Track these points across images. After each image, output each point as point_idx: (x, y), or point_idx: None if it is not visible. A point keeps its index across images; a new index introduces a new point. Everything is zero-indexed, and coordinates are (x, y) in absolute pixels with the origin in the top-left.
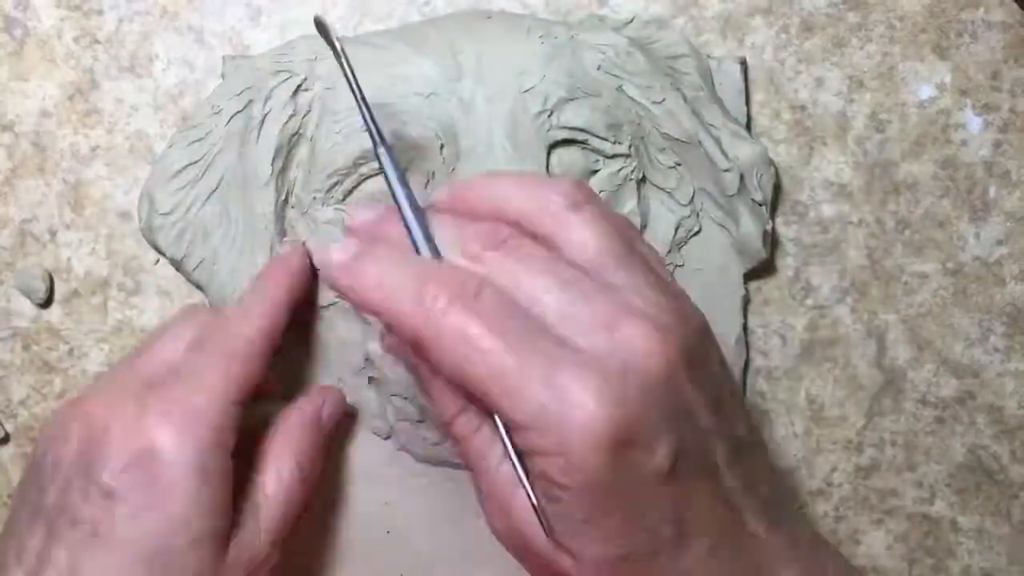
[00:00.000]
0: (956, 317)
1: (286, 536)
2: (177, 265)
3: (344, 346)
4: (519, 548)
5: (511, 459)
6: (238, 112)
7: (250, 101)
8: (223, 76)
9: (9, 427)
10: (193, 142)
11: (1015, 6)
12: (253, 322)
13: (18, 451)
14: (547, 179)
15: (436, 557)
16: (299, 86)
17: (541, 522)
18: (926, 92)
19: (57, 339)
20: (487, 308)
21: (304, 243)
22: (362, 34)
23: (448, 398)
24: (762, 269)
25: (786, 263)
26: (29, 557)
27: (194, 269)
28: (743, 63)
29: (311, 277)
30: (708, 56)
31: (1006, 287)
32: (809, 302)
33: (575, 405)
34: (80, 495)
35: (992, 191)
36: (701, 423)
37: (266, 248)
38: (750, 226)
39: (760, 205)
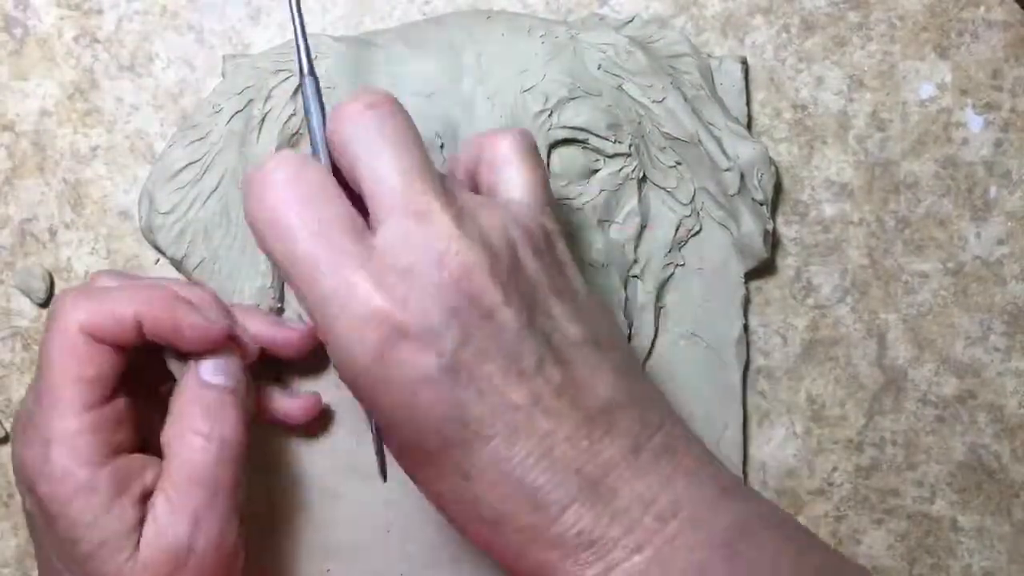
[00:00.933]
0: (957, 316)
1: (223, 509)
2: (177, 265)
3: None
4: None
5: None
6: (238, 111)
7: (250, 100)
8: (223, 75)
9: (9, 427)
10: (193, 141)
11: (1016, 5)
12: (66, 326)
13: None
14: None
15: (436, 557)
16: (299, 85)
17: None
18: (927, 91)
19: None
20: (306, 196)
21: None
22: (362, 33)
23: None
24: (763, 269)
25: (787, 263)
26: None
27: (194, 269)
28: (744, 62)
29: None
30: (708, 55)
31: (1007, 287)
32: (810, 302)
33: (352, 296)
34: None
35: (993, 191)
36: (506, 325)
37: None
38: (751, 225)
39: (761, 204)
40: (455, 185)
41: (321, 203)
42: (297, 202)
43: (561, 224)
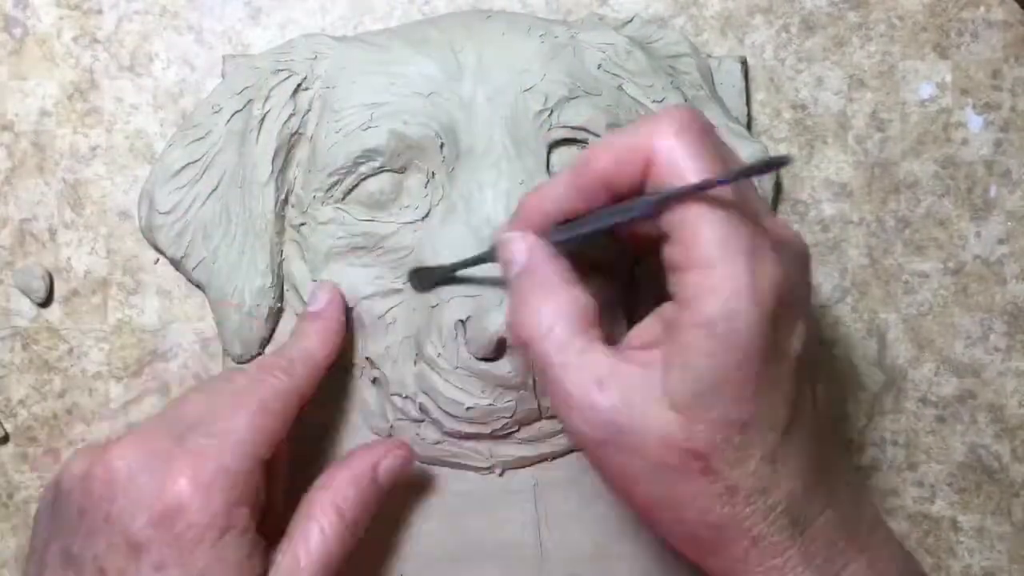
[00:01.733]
0: (957, 316)
1: None
2: (177, 264)
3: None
4: (610, 434)
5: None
6: (238, 111)
7: (250, 100)
8: (223, 75)
9: (9, 427)
10: (193, 141)
11: (1015, 5)
12: (286, 378)
13: (18, 451)
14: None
15: (436, 557)
16: (299, 85)
17: None
18: (927, 91)
19: (57, 339)
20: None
21: (340, 294)
22: (362, 33)
23: (530, 295)
24: None
25: None
26: None
27: (194, 268)
28: (743, 62)
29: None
30: (708, 55)
31: (1007, 286)
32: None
33: (757, 259)
34: (106, 546)
35: (993, 190)
36: (813, 329)
37: (266, 247)
38: None
39: None
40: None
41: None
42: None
43: None
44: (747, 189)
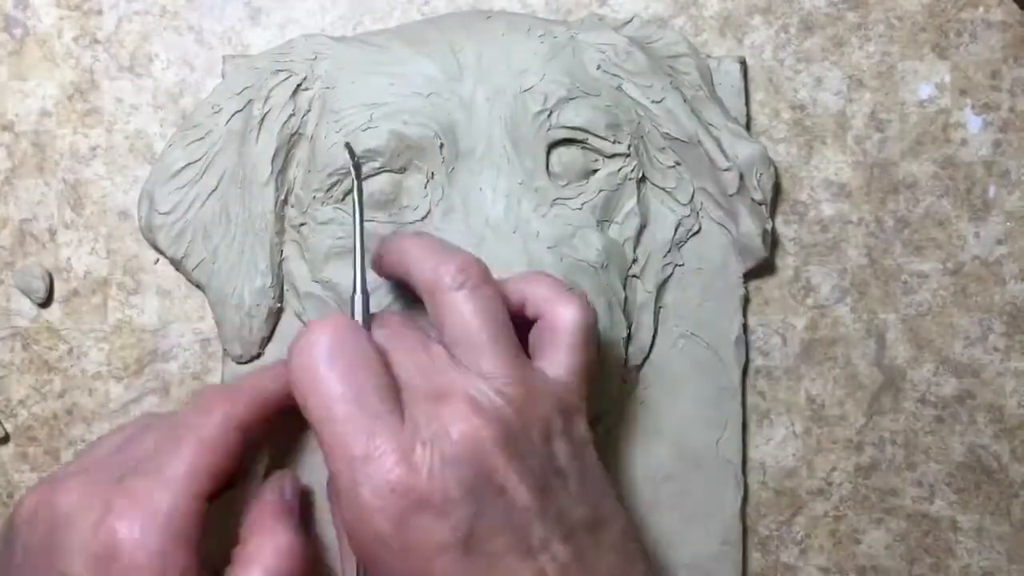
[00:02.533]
0: (956, 316)
1: None
2: (177, 265)
3: None
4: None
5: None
6: (238, 112)
7: (250, 100)
8: (223, 75)
9: (9, 427)
10: (193, 142)
11: (1015, 5)
12: (229, 410)
13: (18, 451)
14: (444, 252)
15: None
16: (299, 85)
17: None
18: (926, 91)
19: (57, 339)
20: (349, 363)
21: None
22: (362, 33)
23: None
24: (762, 268)
25: (786, 263)
26: None
27: (194, 269)
28: (742, 62)
29: None
30: (707, 56)
31: (1006, 286)
32: (809, 301)
33: (380, 463)
34: None
35: (992, 191)
36: (517, 502)
37: (266, 248)
38: (750, 225)
39: (760, 204)
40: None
41: (360, 371)
42: (339, 369)
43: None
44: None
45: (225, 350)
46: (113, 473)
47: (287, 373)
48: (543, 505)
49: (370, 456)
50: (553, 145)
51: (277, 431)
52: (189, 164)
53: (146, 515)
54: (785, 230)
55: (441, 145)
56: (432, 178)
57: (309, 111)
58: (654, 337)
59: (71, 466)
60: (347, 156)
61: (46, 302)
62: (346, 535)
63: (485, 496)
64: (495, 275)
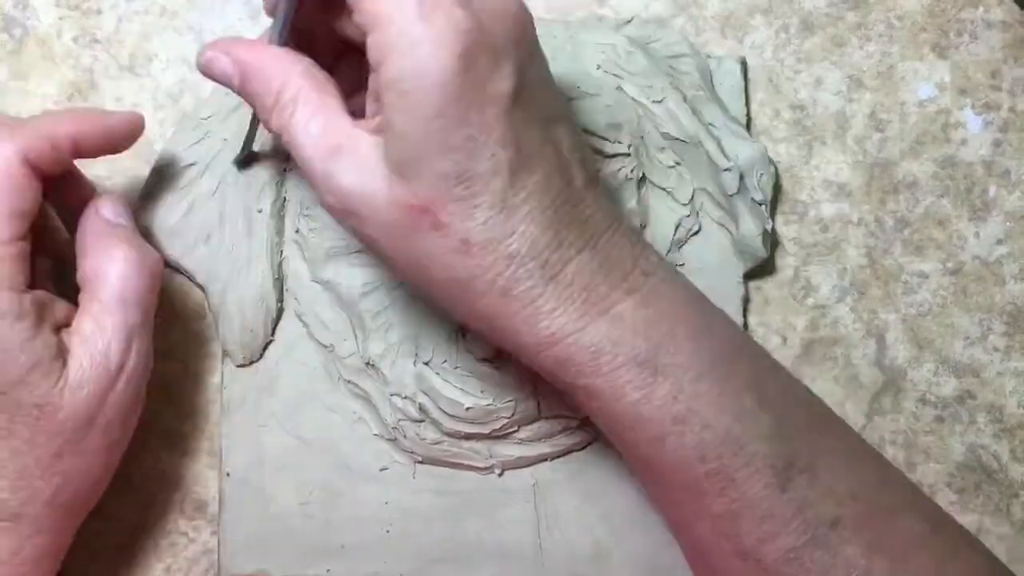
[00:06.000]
0: (956, 316)
1: (137, 333)
2: (177, 265)
3: (344, 345)
4: (351, 204)
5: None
6: (237, 111)
7: None
8: None
9: None
10: (193, 142)
11: (1015, 5)
12: (18, 141)
13: None
14: None
15: (436, 557)
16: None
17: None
18: (926, 91)
19: None
20: None
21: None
22: None
23: (267, 91)
24: (762, 269)
25: (786, 263)
26: None
27: (194, 269)
28: (743, 62)
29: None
30: (708, 55)
31: (1006, 286)
32: (809, 301)
33: (432, 6)
34: None
35: (992, 190)
36: (542, 73)
37: (266, 248)
38: (750, 226)
39: (760, 205)
40: None
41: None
42: None
43: None
44: None
45: (225, 350)
46: None
47: None
48: (557, 90)
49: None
50: None
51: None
52: (189, 164)
53: None
54: (785, 230)
55: None
56: None
57: None
58: None
59: None
60: None
61: None
62: (405, 94)
63: (525, 54)
64: None
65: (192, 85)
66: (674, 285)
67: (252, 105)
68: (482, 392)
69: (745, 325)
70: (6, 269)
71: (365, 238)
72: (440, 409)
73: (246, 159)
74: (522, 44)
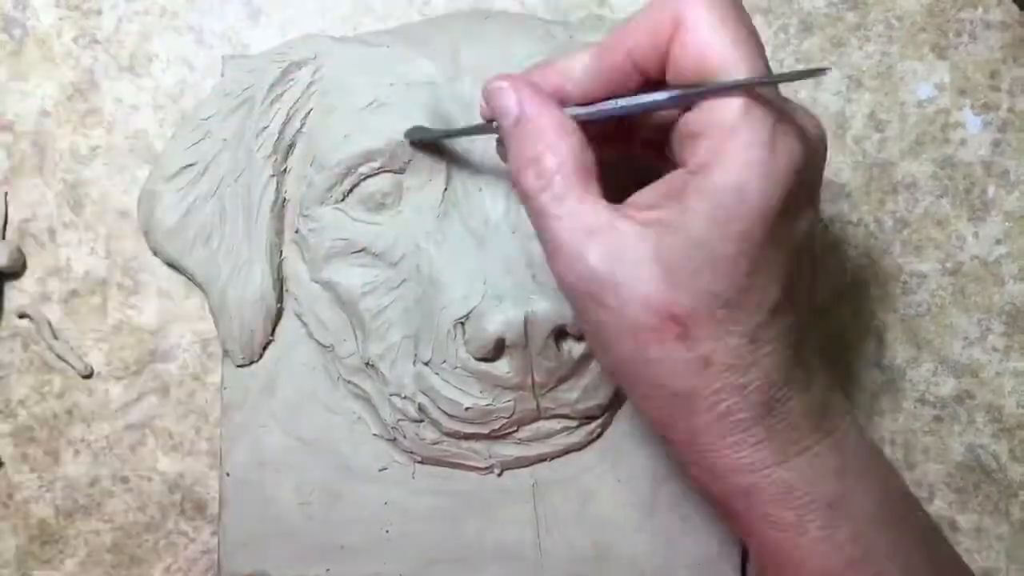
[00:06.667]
0: (955, 316)
1: None
2: (177, 266)
3: (344, 345)
4: (594, 287)
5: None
6: (237, 112)
7: (249, 100)
8: (222, 76)
9: (9, 427)
10: (193, 143)
11: (1013, 6)
12: None
13: (17, 451)
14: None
15: (436, 557)
16: (298, 85)
17: None
18: (925, 92)
19: (57, 338)
20: None
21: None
22: (362, 33)
23: (533, 146)
24: None
25: None
26: None
27: (194, 270)
28: None
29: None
30: None
31: (1005, 286)
32: None
33: (779, 133)
34: None
35: (991, 191)
36: (816, 214)
37: (266, 248)
38: None
39: None
40: None
41: None
42: None
43: None
44: (766, 69)
45: (225, 351)
46: None
47: None
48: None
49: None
50: None
51: None
52: (189, 165)
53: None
54: None
55: (441, 145)
56: (431, 178)
57: (309, 111)
58: None
59: None
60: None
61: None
62: (724, 228)
63: (814, 204)
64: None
65: (192, 85)
66: (859, 429)
67: (510, 150)
68: (481, 392)
69: None
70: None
71: (593, 327)
72: (439, 409)
73: (423, 140)
74: (820, 184)
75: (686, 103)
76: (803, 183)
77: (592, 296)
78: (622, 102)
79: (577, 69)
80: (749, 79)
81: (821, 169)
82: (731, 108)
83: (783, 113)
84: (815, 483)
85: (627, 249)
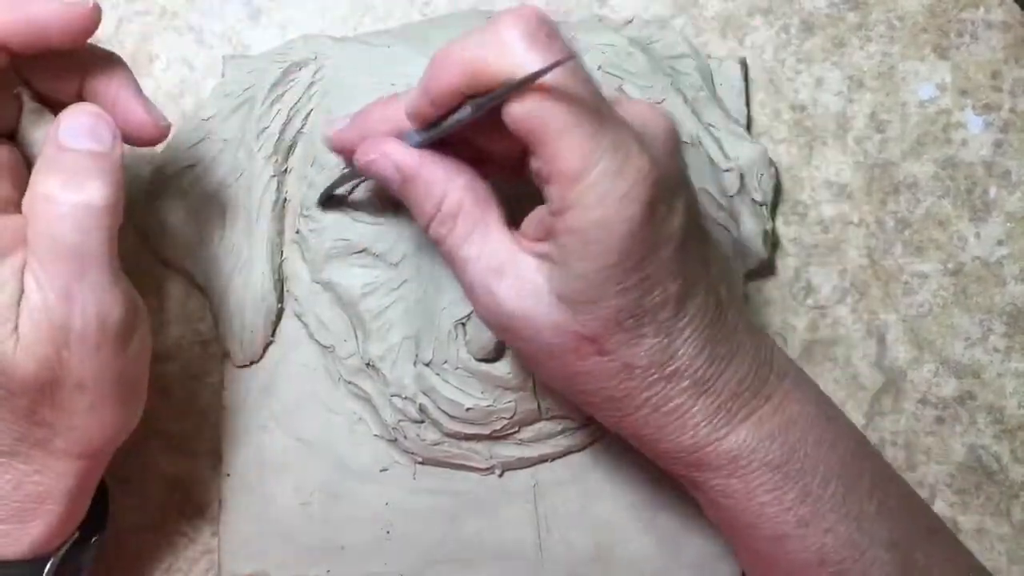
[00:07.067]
0: (956, 317)
1: (103, 275)
2: (177, 266)
3: (344, 346)
4: (509, 322)
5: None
6: (238, 112)
7: (250, 101)
8: (223, 76)
9: None
10: (193, 143)
11: (1015, 6)
12: None
13: None
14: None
15: (436, 558)
16: (299, 85)
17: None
18: (926, 92)
19: None
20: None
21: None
22: (362, 34)
23: (427, 199)
24: (762, 269)
25: (786, 263)
26: None
27: (195, 270)
28: (743, 63)
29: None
30: (708, 56)
31: (1006, 287)
32: (809, 302)
33: (620, 158)
34: None
35: (992, 191)
36: (687, 177)
37: (266, 249)
38: (750, 226)
39: (760, 205)
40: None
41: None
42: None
43: None
44: (588, 82)
45: (225, 351)
46: None
47: None
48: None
49: (606, 152)
50: None
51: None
52: (190, 165)
53: None
54: (785, 231)
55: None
56: None
57: (310, 112)
58: None
59: None
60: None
61: None
62: (584, 240)
63: (684, 188)
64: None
65: (192, 86)
66: (802, 386)
67: (409, 207)
68: (482, 393)
69: None
70: None
71: (520, 351)
72: (440, 410)
73: (328, 200)
74: (677, 160)
75: (487, 109)
76: (661, 183)
77: (508, 329)
78: (444, 124)
79: (410, 105)
80: (528, 75)
81: (676, 158)
82: (566, 152)
83: (617, 129)
84: (758, 450)
85: (528, 283)
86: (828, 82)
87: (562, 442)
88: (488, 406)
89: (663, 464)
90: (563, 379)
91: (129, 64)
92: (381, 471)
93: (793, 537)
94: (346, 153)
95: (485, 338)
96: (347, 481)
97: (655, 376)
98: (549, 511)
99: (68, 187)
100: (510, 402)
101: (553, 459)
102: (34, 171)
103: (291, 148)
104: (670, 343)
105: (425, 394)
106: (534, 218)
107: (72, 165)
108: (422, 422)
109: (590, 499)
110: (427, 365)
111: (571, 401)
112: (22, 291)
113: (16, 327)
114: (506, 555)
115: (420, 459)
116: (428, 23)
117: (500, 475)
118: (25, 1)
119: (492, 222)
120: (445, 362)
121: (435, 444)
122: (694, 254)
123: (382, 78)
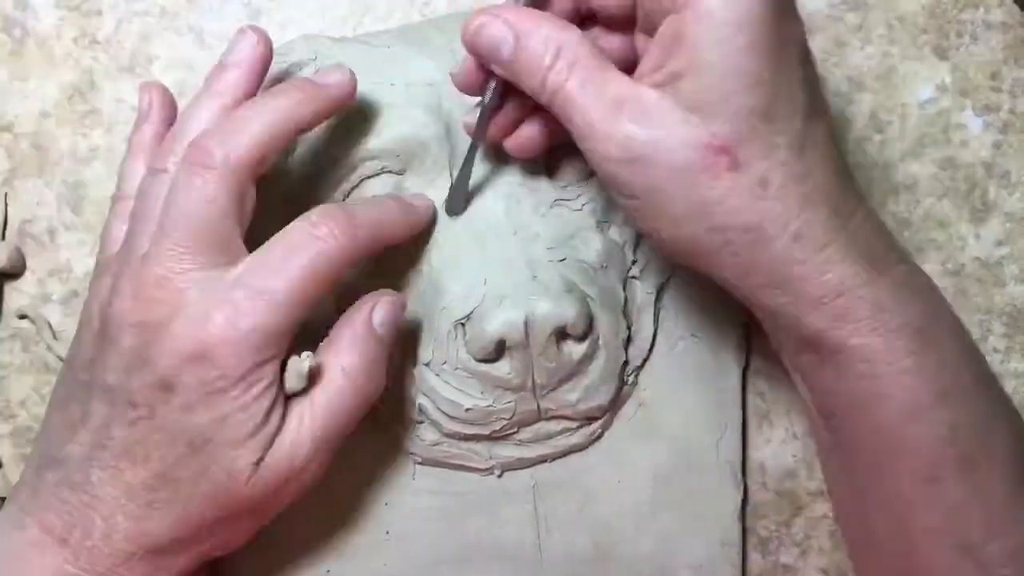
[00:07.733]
0: None
1: (333, 446)
2: None
3: None
4: (635, 151)
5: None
6: None
7: None
8: None
9: (8, 427)
10: None
11: (1015, 6)
12: (344, 242)
13: (17, 452)
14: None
15: (436, 557)
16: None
17: None
18: (926, 93)
19: (57, 339)
20: None
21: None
22: (363, 34)
23: (545, 50)
24: None
25: None
26: (94, 424)
27: None
28: None
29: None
30: None
31: (1006, 288)
32: None
33: None
34: (140, 381)
35: (992, 192)
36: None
37: None
38: None
39: None
40: None
41: None
42: None
43: None
44: None
45: None
46: (221, 282)
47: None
48: None
49: None
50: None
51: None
52: None
53: (245, 331)
54: None
55: (441, 146)
56: (433, 179)
57: None
58: (654, 338)
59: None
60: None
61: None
62: (716, 36)
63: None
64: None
65: (192, 86)
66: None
67: (516, 73)
68: (482, 393)
69: (745, 326)
70: (284, 341)
71: (645, 187)
72: (440, 410)
73: (461, 201)
74: None
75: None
76: None
77: (638, 159)
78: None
79: None
80: None
81: None
82: None
83: None
84: (905, 304)
85: (654, 107)
86: (828, 83)
87: (561, 442)
88: (487, 406)
89: (805, 321)
90: (697, 217)
91: (128, 65)
92: (381, 471)
93: (931, 409)
94: (470, 80)
95: (485, 338)
96: (347, 481)
97: (791, 197)
98: (548, 511)
99: (364, 374)
100: (509, 402)
101: (552, 459)
102: (340, 335)
103: (291, 149)
104: (804, 157)
105: (424, 394)
106: (647, 59)
107: (371, 350)
108: (421, 422)
109: (590, 499)
110: (426, 365)
111: (703, 263)
112: (278, 429)
113: (262, 455)
114: (505, 555)
115: (419, 459)
116: (428, 23)
117: (499, 475)
118: (379, 224)
119: (608, 67)
120: (444, 362)
121: (434, 444)
122: (815, 83)
123: (382, 78)
